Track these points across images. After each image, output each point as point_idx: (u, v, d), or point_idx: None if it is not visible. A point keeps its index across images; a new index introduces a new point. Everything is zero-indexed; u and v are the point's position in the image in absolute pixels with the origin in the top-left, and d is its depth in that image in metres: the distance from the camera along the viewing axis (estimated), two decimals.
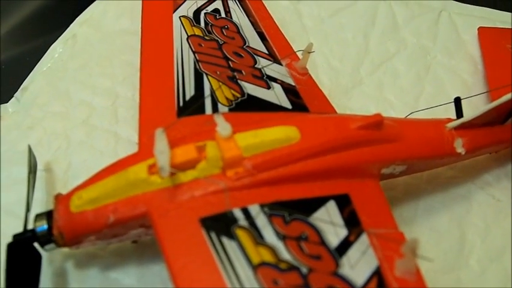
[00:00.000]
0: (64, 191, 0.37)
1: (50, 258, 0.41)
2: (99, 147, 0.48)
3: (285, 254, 0.32)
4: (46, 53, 0.54)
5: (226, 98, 0.42)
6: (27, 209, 0.38)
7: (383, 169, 0.40)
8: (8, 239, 0.37)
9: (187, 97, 0.42)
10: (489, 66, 0.52)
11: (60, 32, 0.56)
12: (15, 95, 0.51)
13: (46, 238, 0.36)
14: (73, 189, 0.37)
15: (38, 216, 0.37)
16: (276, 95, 0.43)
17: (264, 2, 0.54)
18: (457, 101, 0.45)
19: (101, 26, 0.57)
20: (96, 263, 0.42)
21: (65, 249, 0.41)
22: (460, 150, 0.42)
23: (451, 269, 0.44)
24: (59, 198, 0.37)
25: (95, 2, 0.59)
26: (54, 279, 0.41)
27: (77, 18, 0.58)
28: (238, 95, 0.42)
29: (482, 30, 0.56)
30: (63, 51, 0.55)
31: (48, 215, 0.37)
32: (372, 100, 0.53)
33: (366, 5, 0.61)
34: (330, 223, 0.34)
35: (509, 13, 0.60)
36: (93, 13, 0.58)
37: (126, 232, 0.36)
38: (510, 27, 0.57)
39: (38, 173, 0.42)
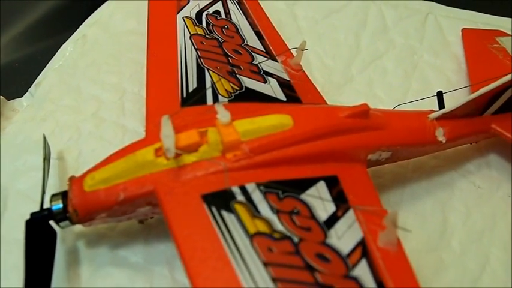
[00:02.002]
0: None
1: (62, 237, 0.44)
2: (107, 137, 0.51)
3: (279, 226, 0.35)
4: (57, 52, 0.58)
5: (226, 90, 0.45)
6: (43, 191, 0.40)
7: (369, 155, 0.43)
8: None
9: (190, 89, 0.45)
10: (471, 64, 0.55)
11: (70, 32, 0.59)
12: (29, 90, 0.54)
13: (61, 216, 0.39)
14: (86, 172, 0.40)
15: (54, 196, 0.40)
16: (271, 89, 0.46)
17: (261, 4, 0.57)
18: (440, 95, 0.48)
19: (109, 27, 0.60)
20: (105, 242, 0.45)
21: (77, 229, 0.44)
22: (441, 138, 0.45)
23: (434, 249, 0.46)
24: (73, 179, 0.39)
25: (103, 5, 0.62)
26: (67, 257, 0.44)
27: (86, 20, 0.61)
28: (237, 88, 0.45)
29: (465, 32, 0.58)
30: (73, 50, 0.58)
31: (63, 195, 0.39)
32: (362, 96, 0.56)
33: (357, 7, 0.64)
34: (319, 200, 0.37)
35: (492, 15, 0.62)
36: (101, 15, 0.61)
37: (135, 210, 0.39)
38: (492, 28, 0.60)
39: (51, 161, 0.44)
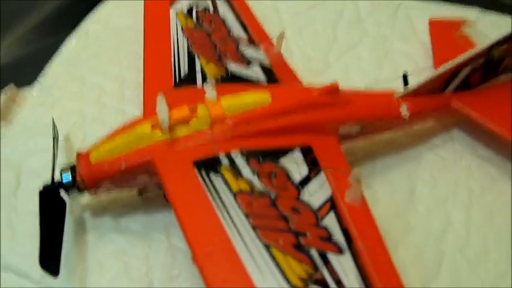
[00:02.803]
0: None
1: (70, 209, 0.48)
2: (109, 121, 0.55)
3: (258, 185, 0.40)
4: (62, 46, 0.61)
5: (213, 73, 0.50)
6: (53, 167, 0.45)
7: (340, 128, 0.47)
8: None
9: (182, 74, 0.50)
10: (436, 50, 0.59)
11: (74, 29, 0.63)
12: (38, 78, 0.58)
13: (70, 185, 0.44)
14: (91, 146, 0.45)
15: (63, 170, 0.44)
16: (254, 72, 0.51)
17: (247, 1, 0.61)
18: (405, 76, 0.52)
19: (109, 23, 0.64)
20: (108, 213, 0.50)
21: (83, 202, 0.49)
22: (405, 113, 0.50)
23: (402, 214, 0.50)
24: (80, 153, 0.44)
25: (103, 3, 0.66)
26: (74, 226, 0.49)
27: (87, 17, 0.65)
28: (224, 72, 0.50)
29: (432, 21, 0.63)
30: (77, 44, 0.62)
31: (72, 168, 0.44)
32: (338, 81, 0.59)
33: (334, 1, 0.68)
34: (295, 164, 0.42)
35: (457, 6, 0.67)
36: (102, 13, 0.66)
37: (135, 178, 0.44)
38: (458, 18, 0.64)
39: (59, 143, 0.49)
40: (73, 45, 0.62)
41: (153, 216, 0.50)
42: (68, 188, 0.44)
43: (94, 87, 0.58)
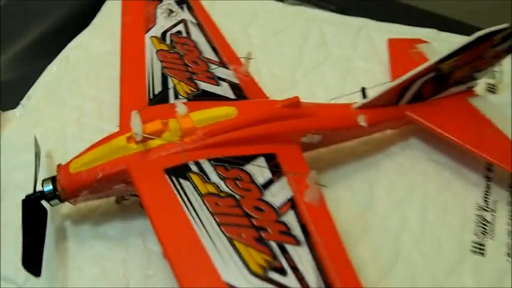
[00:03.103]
0: None
1: (52, 218, 0.52)
2: (88, 138, 0.56)
3: (224, 188, 0.44)
4: (44, 71, 0.65)
5: (185, 92, 0.53)
6: (35, 180, 0.48)
7: (302, 137, 0.51)
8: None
9: (156, 92, 0.54)
10: (393, 66, 0.64)
11: (55, 55, 0.67)
12: (21, 102, 0.62)
13: (51, 194, 0.47)
14: (71, 159, 0.48)
15: (45, 180, 0.48)
16: (224, 90, 0.55)
17: (219, 26, 0.66)
18: (363, 90, 0.56)
19: (89, 49, 0.68)
20: (88, 221, 0.53)
21: (64, 211, 0.52)
22: (363, 123, 0.54)
23: (362, 215, 0.54)
24: (60, 165, 0.48)
25: (83, 31, 0.70)
26: (55, 234, 0.52)
27: (68, 44, 0.69)
28: (195, 90, 0.54)
29: (390, 41, 0.68)
30: (58, 69, 0.66)
31: (53, 179, 0.47)
32: (304, 97, 0.63)
33: (301, 26, 0.74)
34: (259, 169, 0.46)
35: (414, 27, 0.72)
36: (82, 40, 0.70)
37: (111, 187, 0.47)
38: (414, 38, 0.69)
39: (41, 159, 0.52)
40: (54, 71, 0.66)
41: (129, 223, 0.53)
42: (49, 196, 0.47)
43: (74, 109, 0.62)
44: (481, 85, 0.63)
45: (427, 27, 0.73)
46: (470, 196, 0.56)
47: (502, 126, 0.57)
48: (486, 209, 0.55)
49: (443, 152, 0.59)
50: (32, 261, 0.45)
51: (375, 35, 0.72)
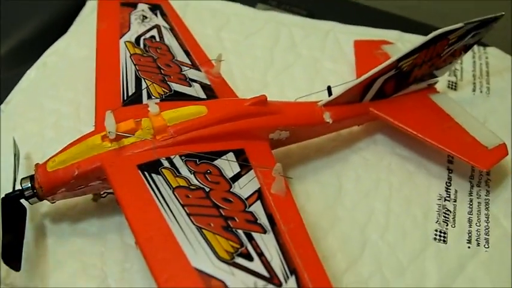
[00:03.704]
0: None
1: (31, 217, 0.53)
2: (66, 141, 0.58)
3: (194, 181, 0.46)
4: (23, 77, 0.67)
5: (158, 93, 0.55)
6: (14, 180, 0.50)
7: (270, 134, 0.54)
8: None
9: (130, 93, 0.56)
10: (359, 66, 0.67)
11: (34, 61, 0.69)
12: (0, 107, 0.63)
13: (30, 193, 0.49)
14: (48, 158, 0.50)
15: (23, 179, 0.49)
16: (195, 91, 0.57)
17: (191, 30, 0.68)
18: (329, 88, 0.59)
19: (66, 55, 0.70)
20: (66, 218, 0.54)
21: (42, 210, 0.54)
22: (328, 120, 0.57)
23: (331, 208, 0.57)
24: (38, 164, 0.50)
25: (60, 38, 0.72)
26: (35, 232, 0.53)
27: (46, 51, 0.71)
28: (167, 91, 0.56)
29: (356, 42, 0.70)
30: (36, 75, 0.67)
31: (31, 178, 0.49)
32: (275, 97, 0.65)
33: (271, 29, 0.76)
34: (228, 164, 0.48)
35: (380, 29, 0.75)
36: (59, 46, 0.71)
37: (88, 184, 0.49)
38: (379, 39, 0.72)
39: (21, 161, 0.53)
40: (32, 76, 0.67)
41: (107, 220, 0.54)
42: (27, 194, 0.49)
43: (52, 112, 0.63)
44: (442, 82, 0.66)
45: (392, 29, 0.76)
46: (433, 187, 0.59)
47: (461, 121, 0.59)
48: (448, 199, 0.57)
49: (407, 146, 0.62)
50: (12, 256, 0.46)
51: (342, 37, 0.75)
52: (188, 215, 0.43)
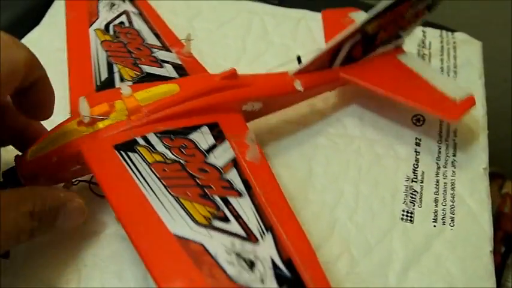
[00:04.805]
0: None
1: None
2: None
3: (170, 155, 0.49)
4: None
5: (130, 76, 0.58)
6: None
7: (243, 106, 0.56)
8: None
9: (102, 79, 0.58)
10: (328, 36, 0.69)
11: None
12: None
13: (10, 181, 0.50)
14: (27, 149, 0.51)
15: (4, 171, 0.51)
16: (167, 71, 0.60)
17: (165, 21, 0.70)
18: (299, 58, 0.63)
19: (38, 47, 0.69)
20: None
21: None
22: (299, 88, 0.59)
23: (301, 191, 0.59)
24: (18, 156, 0.52)
25: (33, 30, 0.73)
26: None
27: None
28: (139, 74, 0.59)
29: (324, 12, 0.74)
30: None
31: (11, 168, 0.51)
32: None
33: (243, 18, 0.79)
34: (202, 137, 0.51)
35: None
36: (31, 38, 0.73)
37: (68, 169, 0.51)
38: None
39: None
40: None
41: None
42: (8, 184, 0.50)
43: None
44: None
45: None
46: (401, 169, 0.61)
47: (429, 78, 0.62)
48: (415, 180, 0.59)
49: (376, 129, 0.63)
50: None
51: (313, 25, 0.77)
52: (165, 187, 0.46)
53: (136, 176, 0.46)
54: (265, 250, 0.43)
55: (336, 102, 0.68)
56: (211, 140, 0.51)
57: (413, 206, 0.58)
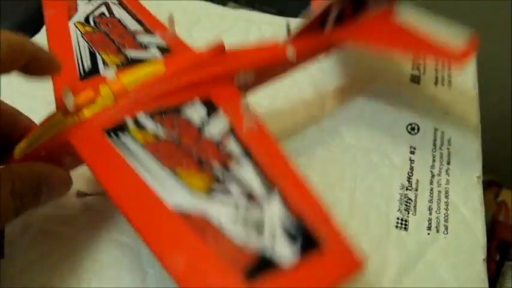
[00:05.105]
0: None
1: None
2: None
3: (162, 134, 0.47)
4: None
5: (114, 62, 0.56)
6: None
7: (235, 77, 0.54)
8: None
9: (86, 69, 0.56)
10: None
11: None
12: None
13: None
14: (15, 147, 0.49)
15: None
16: (152, 54, 0.58)
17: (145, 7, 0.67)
18: (288, 27, 0.60)
19: None
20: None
21: None
22: (291, 54, 0.58)
23: None
24: (5, 155, 0.49)
25: (32, 38, 0.73)
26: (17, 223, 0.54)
27: None
28: (123, 60, 0.56)
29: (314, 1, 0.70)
30: None
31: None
32: None
33: (241, 27, 0.79)
34: (194, 111, 0.49)
35: None
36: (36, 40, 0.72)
37: (60, 161, 0.49)
38: None
39: None
40: None
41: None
42: None
43: (24, 110, 0.62)
44: (405, 76, 0.68)
45: None
46: (395, 177, 0.61)
47: (427, 28, 0.59)
48: (409, 188, 0.59)
49: (372, 138, 0.64)
50: None
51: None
52: (160, 163, 0.44)
53: (127, 156, 0.45)
54: (273, 211, 0.41)
55: (332, 111, 0.68)
56: (204, 114, 0.49)
57: (408, 214, 0.58)
